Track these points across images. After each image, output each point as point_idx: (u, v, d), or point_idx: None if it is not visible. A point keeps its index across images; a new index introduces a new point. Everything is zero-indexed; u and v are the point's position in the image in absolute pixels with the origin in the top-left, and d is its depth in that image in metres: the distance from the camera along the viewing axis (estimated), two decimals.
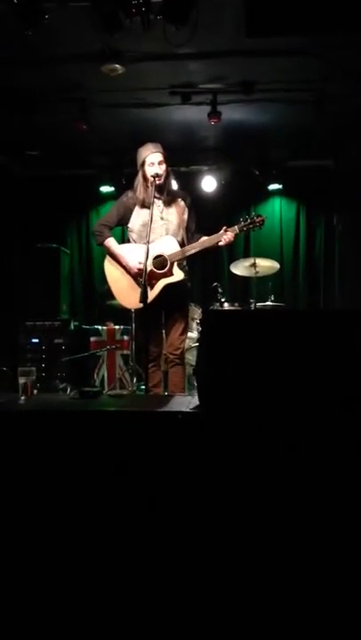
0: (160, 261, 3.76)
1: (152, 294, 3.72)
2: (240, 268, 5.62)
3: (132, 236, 3.92)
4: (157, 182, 3.74)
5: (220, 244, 3.86)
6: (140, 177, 3.85)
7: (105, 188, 6.86)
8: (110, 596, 2.05)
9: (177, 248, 3.79)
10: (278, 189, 6.84)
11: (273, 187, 6.79)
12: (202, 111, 5.13)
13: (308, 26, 3.75)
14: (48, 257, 6.38)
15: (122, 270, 3.87)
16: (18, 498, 2.18)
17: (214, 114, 5.04)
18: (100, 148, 6.36)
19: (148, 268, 3.58)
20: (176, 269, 3.80)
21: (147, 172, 3.76)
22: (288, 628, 1.96)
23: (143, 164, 3.80)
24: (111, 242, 3.89)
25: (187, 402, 2.53)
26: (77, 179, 6.99)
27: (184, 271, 3.89)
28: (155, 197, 3.71)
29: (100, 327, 6.20)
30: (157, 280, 3.77)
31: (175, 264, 3.79)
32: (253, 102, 5.12)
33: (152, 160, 3.76)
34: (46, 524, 2.14)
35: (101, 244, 3.91)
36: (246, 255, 6.62)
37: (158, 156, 3.78)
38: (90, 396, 2.82)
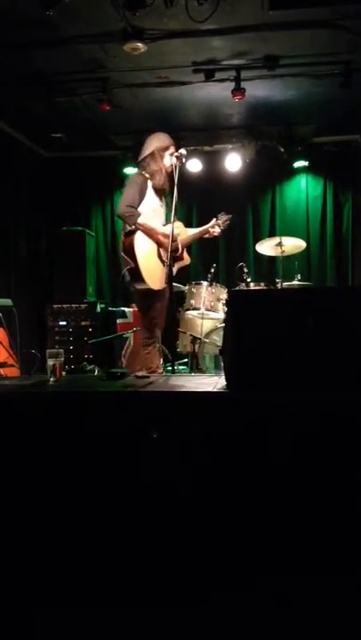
0: (175, 246, 3.84)
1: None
2: (266, 248, 5.57)
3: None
4: (169, 172, 3.85)
5: (206, 235, 4.09)
6: (159, 163, 3.90)
7: (129, 170, 6.81)
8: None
9: (186, 233, 3.95)
10: (304, 166, 6.72)
11: (298, 164, 6.68)
12: (225, 88, 5.05)
13: None
14: (74, 240, 6.42)
15: (152, 250, 3.86)
16: (48, 474, 2.22)
17: (238, 90, 4.96)
18: (123, 129, 6.33)
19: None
20: (185, 254, 3.97)
21: (166, 162, 3.87)
22: None
23: (164, 150, 3.88)
24: (146, 219, 3.81)
25: (214, 382, 2.54)
26: (101, 160, 6.99)
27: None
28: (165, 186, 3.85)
29: (126, 309, 6.24)
30: (174, 263, 3.84)
31: (185, 248, 3.94)
32: (278, 77, 5.03)
33: (172, 151, 3.87)
34: (75, 497, 2.18)
35: (136, 224, 3.78)
36: (272, 234, 6.55)
37: (173, 149, 3.88)
38: (117, 376, 2.85)
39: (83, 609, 2.05)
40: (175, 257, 3.82)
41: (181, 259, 3.94)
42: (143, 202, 3.83)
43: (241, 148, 6.49)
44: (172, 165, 3.82)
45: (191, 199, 6.78)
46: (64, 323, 6.13)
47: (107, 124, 6.09)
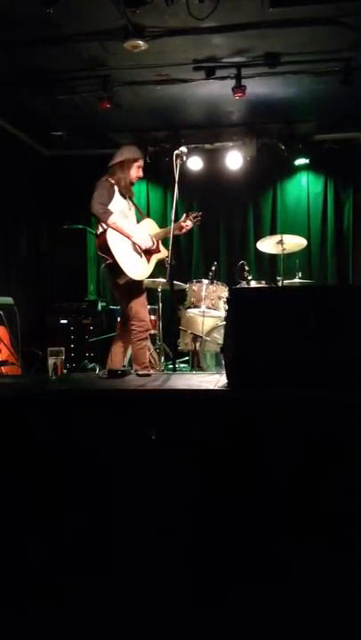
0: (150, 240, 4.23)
1: (149, 269, 4.25)
2: (267, 246, 5.57)
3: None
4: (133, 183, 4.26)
5: (176, 232, 4.24)
6: (126, 172, 4.20)
7: None
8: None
9: (157, 229, 4.34)
10: (305, 164, 6.71)
11: (299, 161, 6.67)
12: (226, 86, 5.04)
13: None
14: (75, 238, 6.42)
15: (126, 245, 4.13)
16: (49, 473, 2.22)
17: (239, 88, 4.95)
18: (123, 127, 6.32)
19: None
20: (161, 246, 4.32)
21: (133, 173, 4.21)
22: None
23: (133, 162, 4.20)
24: (116, 219, 4.07)
25: (215, 380, 2.54)
26: (102, 158, 6.94)
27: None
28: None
29: None
30: (150, 256, 4.24)
31: (160, 241, 4.29)
32: (278, 75, 5.01)
33: (140, 164, 4.21)
34: (75, 496, 2.19)
35: (107, 222, 4.04)
36: (273, 232, 6.55)
37: (142, 163, 4.24)
38: (118, 374, 2.86)
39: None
40: (151, 250, 4.23)
41: (158, 251, 4.30)
42: (112, 204, 4.09)
43: (242, 146, 6.48)
44: (137, 177, 4.24)
45: (192, 197, 6.77)
46: (65, 321, 6.14)
47: (107, 122, 6.08)
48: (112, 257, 4.01)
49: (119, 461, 2.18)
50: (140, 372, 3.33)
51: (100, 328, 6.14)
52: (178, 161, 3.89)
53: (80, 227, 6.52)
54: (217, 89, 5.24)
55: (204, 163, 6.56)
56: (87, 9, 3.93)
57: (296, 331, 2.18)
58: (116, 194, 4.14)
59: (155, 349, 5.98)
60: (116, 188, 4.14)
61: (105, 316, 6.38)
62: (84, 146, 6.78)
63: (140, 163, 4.24)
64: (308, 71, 4.95)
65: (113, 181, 4.16)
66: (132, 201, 4.34)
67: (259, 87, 5.22)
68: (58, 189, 7.01)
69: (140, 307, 4.16)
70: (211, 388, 2.30)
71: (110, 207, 4.06)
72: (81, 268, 6.36)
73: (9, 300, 4.75)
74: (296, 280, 5.60)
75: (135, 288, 4.14)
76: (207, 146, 6.68)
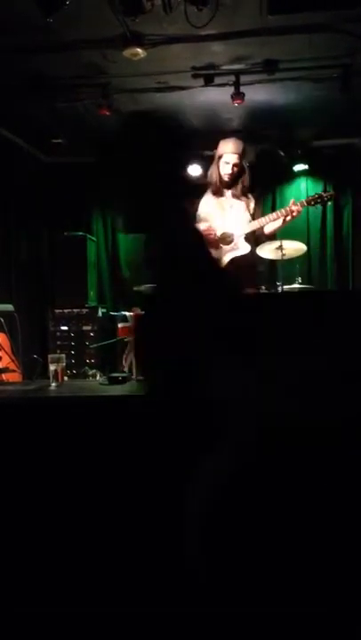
0: (226, 236, 4.17)
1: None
2: (266, 251, 5.55)
3: (201, 216, 4.26)
4: (227, 180, 4.13)
5: (288, 218, 4.13)
6: (215, 167, 4.21)
7: None
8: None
9: (245, 226, 4.18)
10: (304, 170, 6.73)
11: (299, 167, 6.69)
12: (225, 93, 5.06)
13: (332, 0, 3.67)
14: (75, 245, 6.42)
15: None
16: (50, 480, 2.22)
17: (238, 95, 4.97)
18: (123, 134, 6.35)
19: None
20: (242, 242, 4.18)
21: (220, 169, 4.15)
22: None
23: (220, 158, 4.17)
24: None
25: None
26: (101, 165, 7.00)
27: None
28: (225, 188, 4.13)
29: (127, 313, 6.23)
30: (225, 254, 4.15)
31: (242, 238, 4.17)
32: (277, 82, 5.04)
33: (227, 160, 4.12)
34: (76, 503, 2.18)
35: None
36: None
37: (234, 158, 4.11)
38: (119, 381, 2.85)
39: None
40: (231, 248, 4.16)
41: (236, 248, 4.19)
42: (202, 201, 4.24)
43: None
44: (227, 175, 4.15)
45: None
46: (65, 327, 6.14)
47: (107, 129, 6.10)
48: None
49: (119, 468, 2.18)
50: (141, 378, 3.32)
51: (100, 334, 6.14)
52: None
53: (80, 233, 6.53)
54: (216, 96, 5.26)
55: (203, 169, 6.58)
56: (86, 17, 3.95)
57: (297, 336, 2.18)
58: (208, 194, 4.22)
59: None
60: (210, 187, 4.21)
61: (106, 322, 6.38)
62: (84, 153, 6.81)
63: (229, 158, 4.12)
64: (307, 78, 4.97)
65: (208, 180, 4.23)
66: (243, 198, 4.22)
67: (258, 94, 5.24)
68: (58, 196, 7.03)
69: None
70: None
71: (201, 205, 4.18)
72: (81, 274, 6.36)
73: (9, 306, 4.75)
74: (296, 285, 5.60)
75: None
76: (207, 152, 6.69)
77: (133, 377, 2.99)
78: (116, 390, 2.65)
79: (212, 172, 4.23)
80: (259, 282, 4.70)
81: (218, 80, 4.96)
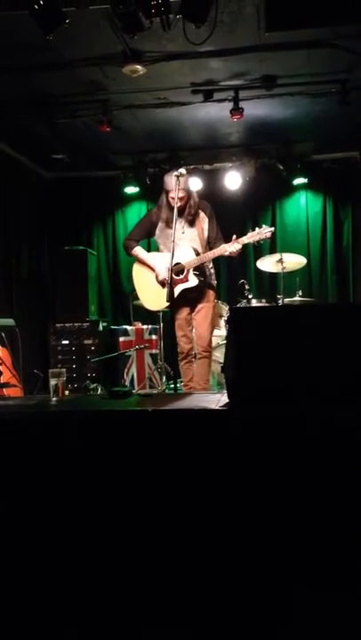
0: (178, 268, 4.17)
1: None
2: (267, 264, 5.60)
3: (159, 246, 4.42)
4: (178, 211, 4.00)
5: (226, 254, 4.22)
6: (163, 199, 4.27)
7: (129, 189, 6.90)
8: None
9: (193, 257, 4.20)
10: (303, 183, 6.78)
11: (298, 181, 6.73)
12: (224, 108, 5.11)
13: (329, 17, 3.72)
14: (76, 259, 6.46)
15: (149, 275, 4.31)
16: (50, 494, 2.21)
17: (236, 110, 5.01)
18: (123, 149, 6.39)
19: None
20: (191, 276, 4.21)
21: (170, 203, 4.12)
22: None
23: (167, 193, 4.18)
24: (139, 251, 4.41)
25: (216, 399, 2.54)
26: (102, 180, 7.05)
27: (203, 276, 4.29)
28: (176, 217, 3.98)
29: (128, 327, 6.24)
30: (175, 285, 4.13)
31: (190, 271, 4.20)
32: (276, 97, 5.09)
33: (173, 196, 4.02)
34: (76, 517, 2.17)
35: (131, 255, 4.47)
36: (273, 251, 6.57)
37: (180, 193, 4.02)
38: (120, 395, 2.84)
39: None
40: (181, 279, 4.19)
41: (185, 281, 4.21)
42: (157, 231, 4.37)
43: (241, 166, 6.54)
44: (175, 207, 3.99)
45: None
46: (66, 341, 6.15)
47: (107, 145, 6.15)
48: (132, 285, 4.36)
49: (120, 482, 2.17)
50: (142, 392, 3.33)
51: (101, 348, 6.15)
52: (177, 182, 3.94)
53: (81, 248, 6.56)
54: (215, 111, 5.30)
55: (203, 183, 6.63)
56: (86, 35, 4.00)
57: (297, 349, 2.18)
58: (161, 224, 4.31)
59: (156, 369, 5.99)
60: (160, 218, 4.31)
61: (107, 335, 6.39)
62: (85, 168, 6.86)
63: (174, 194, 4.00)
64: (305, 93, 5.02)
65: (155, 211, 4.40)
66: (184, 222, 4.26)
67: (256, 109, 5.28)
68: (59, 211, 7.09)
69: (175, 330, 4.26)
70: (212, 407, 2.29)
71: (157, 235, 4.35)
72: (82, 288, 6.38)
73: (10, 321, 4.76)
74: (296, 298, 5.62)
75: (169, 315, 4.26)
76: (206, 166, 6.76)
77: (134, 391, 2.98)
78: (118, 405, 2.64)
79: (161, 204, 4.31)
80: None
81: (217, 96, 5.01)
